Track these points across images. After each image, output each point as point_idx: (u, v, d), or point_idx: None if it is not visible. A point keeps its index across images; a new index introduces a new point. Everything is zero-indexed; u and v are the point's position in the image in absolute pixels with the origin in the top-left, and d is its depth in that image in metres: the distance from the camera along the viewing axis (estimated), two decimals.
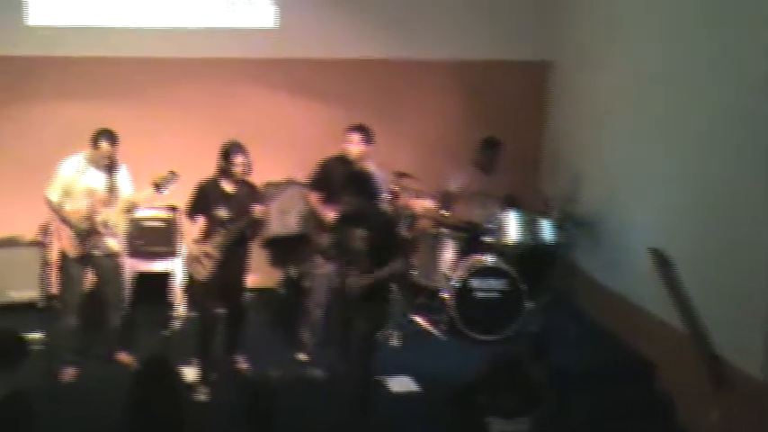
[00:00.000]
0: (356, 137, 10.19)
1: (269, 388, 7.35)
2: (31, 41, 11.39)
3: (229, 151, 9.51)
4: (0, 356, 7.25)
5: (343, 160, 10.19)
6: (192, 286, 9.65)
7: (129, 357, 9.70)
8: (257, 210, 9.55)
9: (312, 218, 10.27)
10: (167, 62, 11.63)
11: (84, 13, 11.54)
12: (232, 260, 9.57)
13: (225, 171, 9.54)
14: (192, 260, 9.55)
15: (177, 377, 7.45)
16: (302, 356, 9.91)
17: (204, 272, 9.45)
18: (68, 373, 9.50)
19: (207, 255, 9.46)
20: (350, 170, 9.78)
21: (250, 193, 9.70)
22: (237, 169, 9.49)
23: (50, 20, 11.47)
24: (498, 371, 7.60)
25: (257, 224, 9.75)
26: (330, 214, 9.89)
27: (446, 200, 11.28)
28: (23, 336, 7.75)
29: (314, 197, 10.18)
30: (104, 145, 9.54)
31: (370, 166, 10.18)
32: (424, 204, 10.84)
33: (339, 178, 9.76)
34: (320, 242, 9.96)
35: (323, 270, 10.02)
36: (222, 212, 9.49)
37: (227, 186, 9.57)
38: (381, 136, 11.45)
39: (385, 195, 10.21)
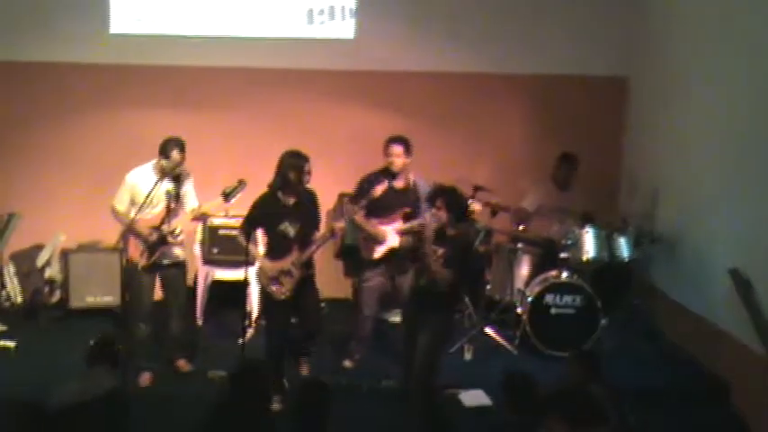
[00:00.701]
0: (399, 149, 10.08)
1: (325, 391, 7.37)
2: (113, 50, 11.53)
3: (290, 160, 9.40)
4: (107, 356, 7.55)
5: (386, 172, 10.13)
6: (267, 304, 9.63)
7: (188, 365, 9.80)
8: (338, 227, 9.55)
9: (359, 230, 10.23)
10: (244, 71, 11.77)
11: (165, 23, 11.72)
12: (307, 276, 9.57)
13: (284, 181, 9.40)
14: (267, 278, 9.46)
15: (268, 385, 7.62)
16: (347, 363, 10.01)
17: (284, 290, 9.40)
18: (145, 378, 9.59)
19: (286, 273, 9.42)
20: (437, 185, 9.52)
21: (311, 203, 9.63)
22: (293, 176, 9.32)
23: (132, 29, 11.64)
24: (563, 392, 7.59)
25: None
26: (377, 228, 10.00)
27: (523, 215, 11.20)
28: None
29: (357, 209, 10.02)
30: (174, 154, 9.56)
31: (414, 178, 10.20)
32: (476, 207, 10.65)
33: (385, 193, 9.87)
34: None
35: (371, 283, 10.12)
36: (289, 228, 9.42)
37: (288, 199, 9.46)
38: (459, 149, 11.65)
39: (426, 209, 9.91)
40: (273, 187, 9.45)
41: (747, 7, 9.85)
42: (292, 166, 9.34)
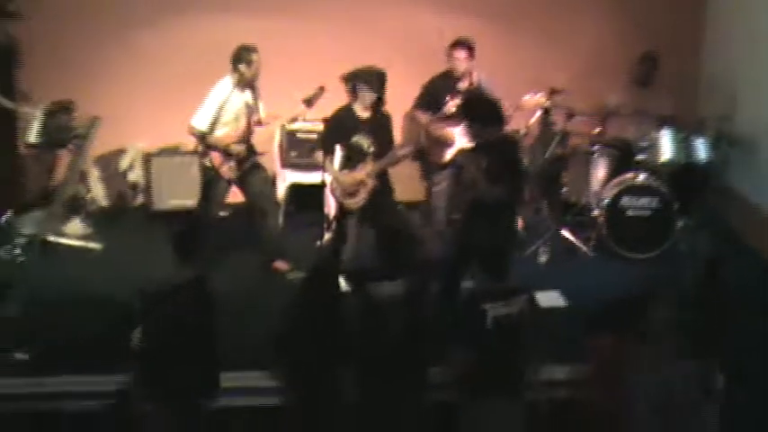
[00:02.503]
0: (462, 53, 10.27)
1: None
2: None
3: (368, 75, 9.55)
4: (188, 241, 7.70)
5: (449, 76, 10.27)
6: (342, 213, 9.81)
7: (286, 265, 9.91)
8: (402, 155, 9.80)
9: (425, 136, 10.37)
10: None
11: None
12: (383, 184, 9.73)
13: (354, 93, 9.58)
14: (342, 190, 9.66)
15: (338, 285, 7.97)
16: None
17: (360, 200, 9.61)
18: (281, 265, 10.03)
19: (361, 183, 9.59)
20: (465, 94, 9.90)
21: (387, 123, 9.76)
22: (366, 90, 9.49)
23: None
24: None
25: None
26: (444, 130, 10.14)
27: (602, 116, 11.20)
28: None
29: (424, 117, 10.27)
30: (255, 58, 9.71)
31: (480, 80, 10.30)
32: (532, 101, 10.58)
33: (446, 95, 10.10)
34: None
35: (440, 187, 10.29)
36: (364, 141, 9.58)
37: (363, 113, 9.61)
38: (534, 52, 11.61)
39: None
40: (349, 101, 9.65)
41: None
42: (368, 81, 9.51)
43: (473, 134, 9.18)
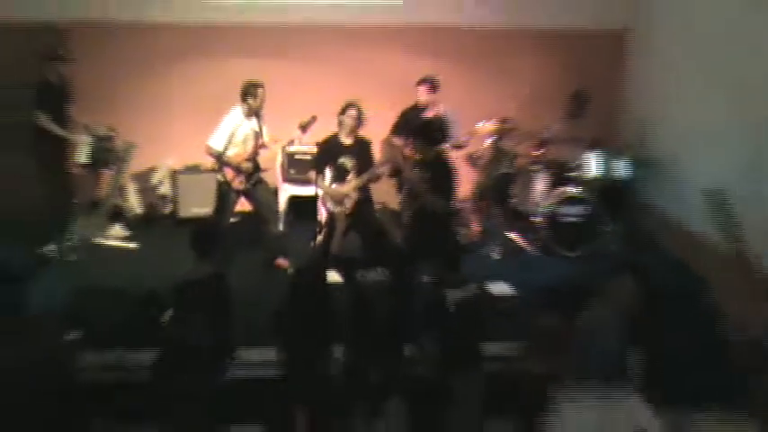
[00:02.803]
0: (423, 88, 10.37)
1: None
2: (208, 12, 11.59)
3: (345, 107, 9.75)
4: (207, 241, 7.84)
5: (415, 108, 10.38)
6: (331, 219, 9.94)
7: (286, 262, 10.03)
8: (380, 172, 9.93)
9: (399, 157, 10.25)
10: (311, 29, 11.66)
11: None
12: (365, 196, 9.95)
13: (340, 123, 9.75)
14: (332, 201, 9.83)
15: (326, 279, 8.03)
16: None
17: (345, 209, 9.80)
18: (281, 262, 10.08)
19: (346, 195, 9.78)
20: (419, 120, 9.97)
21: (367, 147, 9.92)
22: (348, 120, 9.69)
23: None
24: None
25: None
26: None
27: (543, 141, 11.19)
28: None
29: (398, 141, 10.31)
30: (260, 93, 9.81)
31: (441, 111, 10.36)
32: (485, 128, 10.81)
33: (413, 124, 10.03)
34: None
35: None
36: (348, 162, 9.76)
37: (346, 140, 9.80)
38: (488, 87, 11.71)
39: (454, 137, 10.26)
40: (337, 130, 9.82)
41: None
42: (347, 110, 9.72)
43: (418, 151, 9.33)
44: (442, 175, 9.22)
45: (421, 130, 9.45)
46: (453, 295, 7.70)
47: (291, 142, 10.56)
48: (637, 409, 6.23)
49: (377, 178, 10.13)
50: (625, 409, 6.20)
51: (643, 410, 6.20)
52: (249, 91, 9.87)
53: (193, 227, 8.30)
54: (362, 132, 9.94)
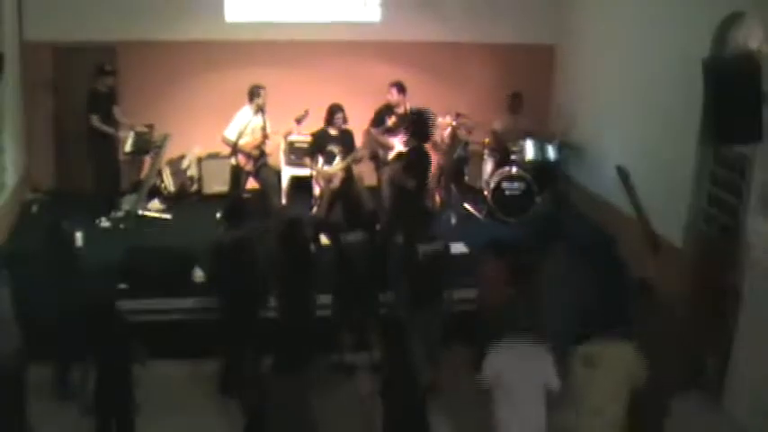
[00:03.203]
0: (394, 90, 10.30)
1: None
2: (225, 32, 11.57)
3: (332, 109, 9.86)
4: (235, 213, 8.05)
5: (388, 106, 10.39)
6: (322, 194, 10.05)
7: None
8: (361, 155, 10.07)
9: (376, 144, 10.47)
10: (307, 44, 11.58)
11: (255, 11, 11.66)
12: (349, 175, 10.05)
13: (329, 122, 9.88)
14: (323, 180, 9.92)
15: (306, 233, 8.25)
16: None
17: (334, 185, 9.88)
18: None
19: (334, 174, 9.87)
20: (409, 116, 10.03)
21: (350, 136, 10.04)
22: (338, 121, 9.84)
23: (238, 17, 11.65)
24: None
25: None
26: (387, 140, 10.25)
27: (494, 134, 11.31)
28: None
29: (375, 131, 10.39)
30: (263, 93, 9.92)
31: (407, 108, 10.33)
32: (445, 122, 10.79)
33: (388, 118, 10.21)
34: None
35: (385, 175, 10.29)
36: (334, 148, 9.88)
37: (333, 131, 9.92)
38: (446, 88, 11.64)
39: None
40: (324, 125, 9.94)
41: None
42: (329, 111, 9.85)
43: (410, 142, 9.55)
44: (421, 158, 9.38)
45: (413, 123, 9.57)
46: (424, 249, 7.85)
47: (290, 133, 10.57)
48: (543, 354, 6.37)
49: (359, 160, 10.27)
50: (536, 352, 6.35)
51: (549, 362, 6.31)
52: (254, 92, 10.01)
53: (226, 203, 8.55)
54: (346, 126, 10.09)
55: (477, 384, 6.35)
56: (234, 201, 9.28)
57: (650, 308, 6.72)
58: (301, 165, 10.76)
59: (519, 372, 6.16)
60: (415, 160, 9.32)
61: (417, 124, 9.57)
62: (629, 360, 6.18)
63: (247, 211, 8.27)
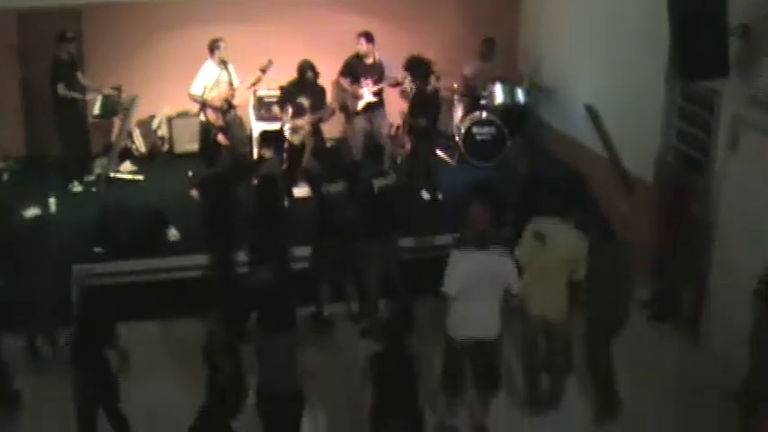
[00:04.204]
0: (362, 39, 10.20)
1: None
2: None
3: (303, 67, 9.78)
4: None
5: (359, 56, 10.31)
6: (290, 147, 9.94)
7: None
8: (332, 108, 10.14)
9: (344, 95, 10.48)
10: None
11: None
12: (316, 133, 10.00)
13: (301, 79, 9.82)
14: (291, 131, 9.83)
15: (280, 186, 8.35)
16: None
17: (298, 138, 9.81)
18: None
19: (301, 127, 9.78)
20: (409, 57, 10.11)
21: (321, 91, 10.00)
22: (310, 78, 9.78)
23: None
24: None
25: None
26: (358, 90, 10.21)
27: (464, 79, 11.20)
28: None
29: (345, 82, 10.34)
30: (222, 45, 9.88)
31: (380, 58, 10.35)
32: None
33: (357, 69, 10.20)
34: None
35: (357, 126, 10.39)
36: (303, 101, 9.77)
37: (304, 86, 9.83)
38: (415, 38, 11.36)
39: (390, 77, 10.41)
40: (297, 78, 9.87)
41: None
42: (308, 69, 9.79)
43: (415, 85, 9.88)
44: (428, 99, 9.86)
45: (414, 69, 9.85)
46: (378, 183, 7.99)
47: (258, 81, 10.29)
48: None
49: (330, 113, 10.21)
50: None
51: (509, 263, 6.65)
52: (214, 45, 9.99)
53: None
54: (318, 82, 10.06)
55: (442, 294, 6.57)
56: (209, 144, 9.43)
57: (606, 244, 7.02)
58: (271, 119, 10.61)
59: (478, 276, 6.47)
60: (423, 102, 9.79)
61: (418, 69, 9.83)
62: (572, 244, 6.82)
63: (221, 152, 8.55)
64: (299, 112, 9.85)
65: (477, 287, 6.48)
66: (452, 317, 6.64)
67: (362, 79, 10.29)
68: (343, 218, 8.02)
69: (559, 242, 6.82)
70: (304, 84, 9.86)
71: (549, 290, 6.89)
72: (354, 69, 10.32)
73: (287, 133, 9.90)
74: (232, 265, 8.17)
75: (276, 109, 10.20)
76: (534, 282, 6.89)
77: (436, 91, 10.18)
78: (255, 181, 8.77)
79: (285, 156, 9.90)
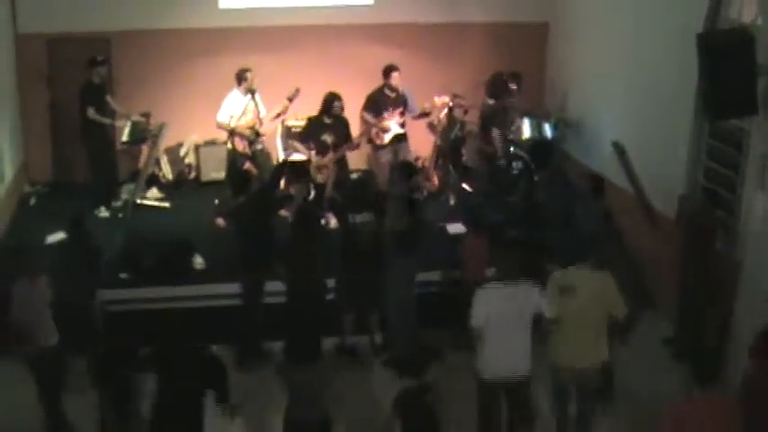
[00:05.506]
0: (396, 74, 10.28)
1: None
2: (219, 18, 11.48)
3: (330, 98, 9.85)
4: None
5: (381, 89, 10.38)
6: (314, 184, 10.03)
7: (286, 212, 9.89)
8: (357, 141, 10.12)
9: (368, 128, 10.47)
10: (300, 29, 11.52)
11: None
12: (341, 165, 10.09)
13: (327, 111, 9.88)
14: (315, 169, 9.89)
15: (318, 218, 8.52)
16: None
17: (323, 177, 9.88)
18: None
19: (324, 167, 9.84)
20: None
21: (344, 125, 10.00)
22: (336, 110, 9.83)
23: (231, 3, 11.54)
24: None
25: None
26: (383, 123, 10.31)
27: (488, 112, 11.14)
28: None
29: (369, 116, 10.38)
30: (249, 75, 9.94)
31: (404, 91, 10.44)
32: (441, 102, 10.77)
33: (382, 102, 10.26)
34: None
35: (383, 159, 10.47)
36: (327, 138, 9.84)
37: (328, 120, 9.90)
38: (442, 70, 11.57)
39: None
40: (320, 112, 9.95)
41: None
42: (326, 101, 9.85)
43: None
44: None
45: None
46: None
47: (284, 111, 10.34)
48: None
49: (354, 148, 10.29)
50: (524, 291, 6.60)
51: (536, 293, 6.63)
52: (241, 75, 10.05)
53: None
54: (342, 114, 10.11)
55: (469, 332, 6.60)
56: (238, 172, 9.42)
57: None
58: (298, 150, 10.56)
59: (506, 312, 6.45)
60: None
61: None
62: (601, 288, 6.58)
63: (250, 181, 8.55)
64: (322, 149, 9.93)
65: (505, 323, 6.44)
66: (482, 357, 6.60)
67: (386, 112, 10.37)
68: (365, 249, 8.05)
69: (589, 290, 6.57)
70: (329, 116, 9.94)
71: (581, 339, 6.62)
72: (377, 103, 10.40)
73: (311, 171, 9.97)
74: (261, 293, 8.17)
75: (299, 145, 10.24)
76: (566, 333, 6.62)
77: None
78: (284, 211, 8.87)
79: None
